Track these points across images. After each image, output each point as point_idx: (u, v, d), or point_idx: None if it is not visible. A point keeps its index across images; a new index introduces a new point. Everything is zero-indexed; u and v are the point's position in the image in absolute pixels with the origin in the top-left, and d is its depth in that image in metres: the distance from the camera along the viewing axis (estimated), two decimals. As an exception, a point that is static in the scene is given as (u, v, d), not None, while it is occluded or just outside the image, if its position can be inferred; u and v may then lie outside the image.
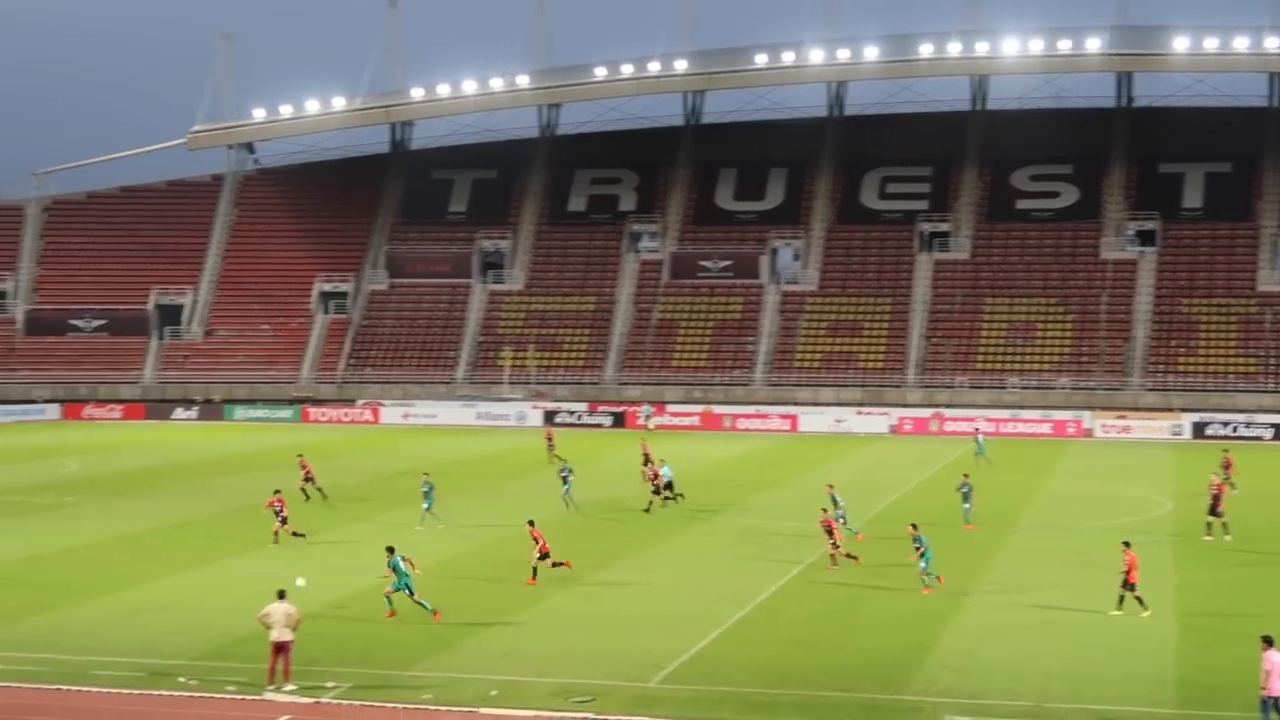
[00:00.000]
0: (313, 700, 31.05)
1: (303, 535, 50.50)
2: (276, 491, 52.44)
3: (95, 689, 31.94)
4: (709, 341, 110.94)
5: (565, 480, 59.37)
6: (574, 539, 51.89)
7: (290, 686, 31.55)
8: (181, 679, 32.65)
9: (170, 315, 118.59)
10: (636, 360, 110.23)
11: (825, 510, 48.22)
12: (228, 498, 62.40)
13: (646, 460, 64.96)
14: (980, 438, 79.24)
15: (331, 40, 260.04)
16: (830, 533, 45.96)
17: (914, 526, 43.54)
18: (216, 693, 31.77)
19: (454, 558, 47.58)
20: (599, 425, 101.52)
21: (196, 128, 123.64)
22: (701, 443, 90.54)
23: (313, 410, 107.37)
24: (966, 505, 54.45)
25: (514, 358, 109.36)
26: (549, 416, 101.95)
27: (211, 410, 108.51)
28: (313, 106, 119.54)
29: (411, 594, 38.27)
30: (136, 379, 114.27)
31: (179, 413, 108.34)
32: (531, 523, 44.15)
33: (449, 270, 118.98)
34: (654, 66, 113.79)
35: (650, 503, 58.25)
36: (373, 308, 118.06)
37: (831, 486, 53.26)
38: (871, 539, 49.94)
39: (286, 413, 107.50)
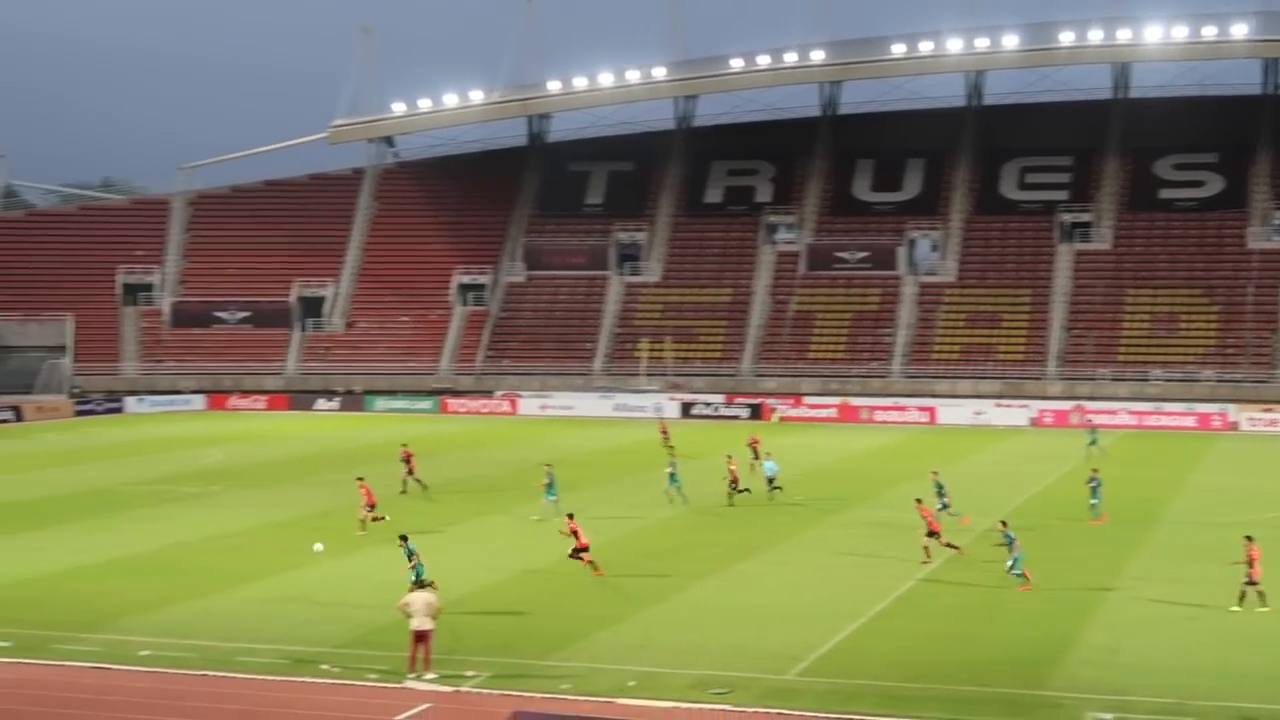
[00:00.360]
0: (453, 689, 31.26)
1: (364, 529, 50.59)
2: (360, 479, 52.93)
3: (240, 675, 32.44)
4: (846, 333, 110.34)
5: (672, 477, 58.69)
6: (707, 530, 52.04)
7: (431, 675, 31.81)
8: (324, 666, 33.06)
9: (312, 307, 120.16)
10: (773, 352, 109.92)
11: (920, 500, 47.63)
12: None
13: (755, 455, 65.15)
14: (1094, 432, 77.75)
15: (469, 34, 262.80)
16: (929, 525, 45.45)
17: (1004, 524, 43.17)
18: (358, 680, 32.10)
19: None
20: (736, 417, 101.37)
21: (337, 122, 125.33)
22: (838, 435, 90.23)
23: (451, 401, 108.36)
24: (1094, 500, 53.77)
25: (651, 349, 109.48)
26: (685, 408, 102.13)
27: (353, 401, 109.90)
28: (451, 100, 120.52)
29: (419, 579, 38.25)
30: (279, 370, 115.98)
31: (321, 403, 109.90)
32: (571, 515, 44.14)
33: (586, 262, 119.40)
34: (790, 57, 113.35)
35: (730, 497, 57.69)
36: (510, 300, 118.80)
37: (935, 473, 52.77)
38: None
39: (426, 404, 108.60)
